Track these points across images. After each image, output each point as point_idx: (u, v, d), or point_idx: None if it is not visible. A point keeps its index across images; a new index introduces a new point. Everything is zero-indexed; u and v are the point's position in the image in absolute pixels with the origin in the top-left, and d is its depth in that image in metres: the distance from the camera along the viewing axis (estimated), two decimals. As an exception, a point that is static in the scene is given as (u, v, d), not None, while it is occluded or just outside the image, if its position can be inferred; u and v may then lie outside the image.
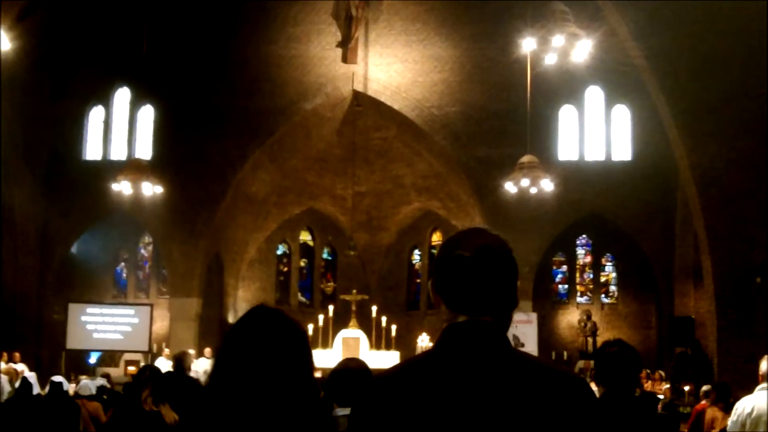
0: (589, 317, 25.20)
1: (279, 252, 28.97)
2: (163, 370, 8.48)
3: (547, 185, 19.45)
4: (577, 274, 26.97)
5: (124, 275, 27.71)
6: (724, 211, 18.56)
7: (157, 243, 26.51)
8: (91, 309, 24.13)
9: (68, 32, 23.66)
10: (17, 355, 20.26)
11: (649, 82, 19.56)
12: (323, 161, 26.50)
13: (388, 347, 22.20)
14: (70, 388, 15.16)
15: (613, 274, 26.69)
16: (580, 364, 22.83)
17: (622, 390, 4.47)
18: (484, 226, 2.51)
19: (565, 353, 25.03)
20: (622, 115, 24.43)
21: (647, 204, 23.44)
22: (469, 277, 2.29)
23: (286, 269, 29.10)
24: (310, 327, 22.88)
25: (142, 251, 27.99)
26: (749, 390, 6.97)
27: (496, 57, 22.59)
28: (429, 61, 23.75)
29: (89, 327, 23.64)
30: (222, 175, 23.88)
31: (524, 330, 21.49)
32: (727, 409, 10.47)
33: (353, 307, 23.62)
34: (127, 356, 24.01)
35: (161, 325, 25.14)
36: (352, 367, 4.58)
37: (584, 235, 26.70)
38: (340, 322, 23.39)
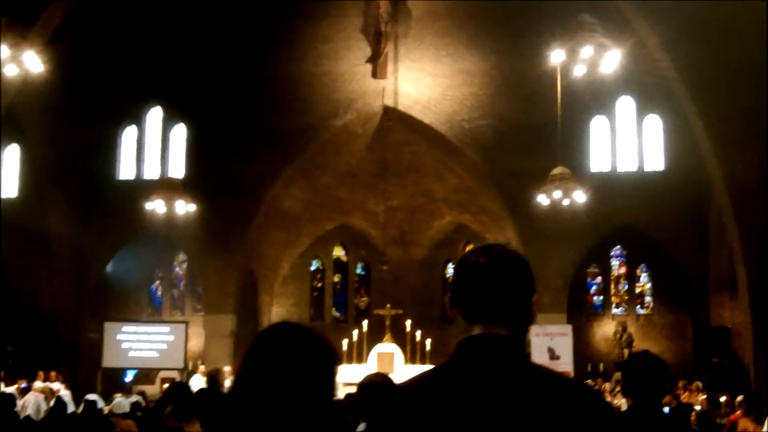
0: (624, 329, 25.06)
1: (312, 268, 29.06)
2: (198, 387, 8.54)
3: (580, 197, 19.39)
4: (612, 286, 26.84)
5: (159, 293, 27.91)
6: (758, 221, 18.42)
7: (191, 261, 26.69)
8: (126, 327, 24.29)
9: (100, 53, 23.94)
10: (53, 374, 20.42)
11: (679, 92, 19.50)
12: (355, 177, 26.55)
13: (423, 361, 22.15)
14: (105, 406, 15.28)
15: (648, 285, 26.52)
16: (617, 375, 22.64)
17: (650, 401, 4.46)
18: (504, 242, 2.56)
19: (601, 365, 24.88)
20: (654, 125, 24.32)
21: (681, 214, 23.30)
22: (483, 283, 2.34)
23: (320, 285, 29.18)
24: (345, 342, 22.98)
25: (177, 269, 28.19)
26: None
27: (525, 70, 22.55)
28: (459, 75, 23.76)
29: (125, 345, 23.80)
30: (254, 193, 23.99)
31: (560, 342, 21.37)
32: (760, 420, 10.38)
33: (387, 322, 23.62)
34: (162, 374, 24.11)
35: (196, 342, 25.25)
36: (377, 382, 4.60)
37: (618, 246, 26.57)
38: (374, 336, 23.40)
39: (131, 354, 23.77)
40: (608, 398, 17.73)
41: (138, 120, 25.57)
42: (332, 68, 24.06)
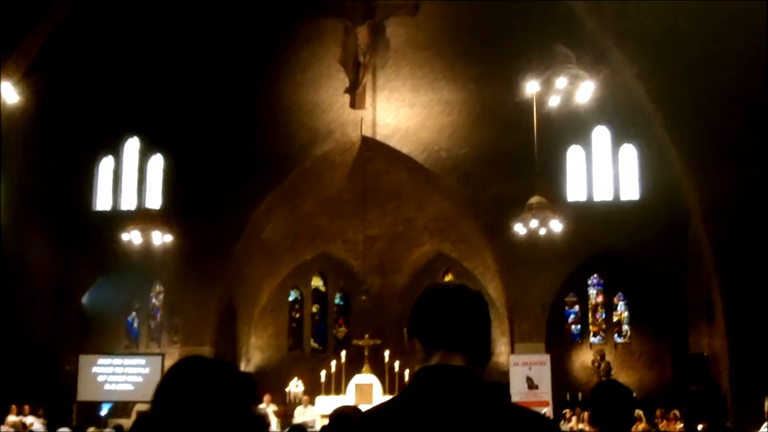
0: (602, 357, 25.08)
1: (291, 298, 28.95)
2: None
3: (557, 226, 19.49)
4: (590, 314, 26.88)
5: (136, 325, 27.68)
6: (733, 248, 18.55)
7: (168, 292, 26.55)
8: (102, 360, 24.07)
9: (77, 84, 23.89)
10: (27, 407, 20.21)
11: (654, 121, 19.68)
12: (335, 206, 26.55)
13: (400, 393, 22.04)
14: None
15: (626, 313, 26.58)
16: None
17: (617, 431, 4.48)
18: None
19: (579, 394, 24.84)
20: (630, 154, 24.48)
21: (658, 242, 23.43)
22: (444, 306, 2.41)
23: (298, 315, 29.06)
24: (323, 373, 22.89)
25: (154, 300, 27.99)
26: None
27: (503, 99, 22.69)
28: (437, 105, 23.89)
29: (100, 378, 23.58)
30: (233, 223, 23.94)
31: (538, 371, 21.36)
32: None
33: (366, 352, 23.56)
34: (139, 407, 23.85)
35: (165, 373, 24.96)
36: (348, 414, 4.61)
37: (596, 275, 26.65)
38: (354, 367, 23.32)
39: (107, 387, 23.54)
40: (587, 428, 17.70)
41: (115, 150, 25.47)
42: (311, 98, 24.14)
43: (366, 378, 22.76)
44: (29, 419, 19.33)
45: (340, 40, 24.20)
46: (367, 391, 22.13)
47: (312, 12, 24.16)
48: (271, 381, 25.81)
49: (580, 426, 20.25)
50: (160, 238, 20.38)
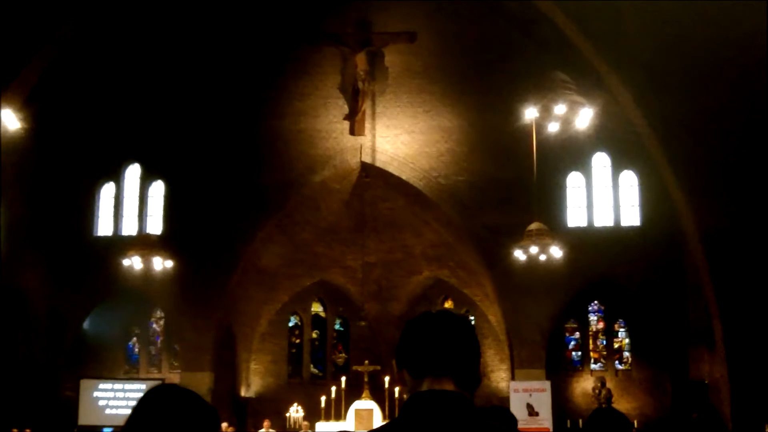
0: (603, 384, 25.02)
1: (291, 324, 28.93)
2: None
3: (556, 252, 19.49)
4: (590, 341, 26.83)
5: (136, 350, 27.67)
6: (733, 275, 18.55)
7: (168, 317, 26.55)
8: (103, 385, 24.09)
9: (78, 111, 24.03)
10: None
11: (653, 147, 19.72)
12: (333, 233, 26.59)
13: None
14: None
15: (627, 340, 26.53)
16: None
17: None
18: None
19: (580, 421, 24.74)
20: (629, 180, 24.52)
21: (658, 269, 23.41)
22: (420, 335, 2.42)
23: (297, 341, 29.03)
24: (323, 399, 22.85)
25: (154, 326, 27.99)
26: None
27: (501, 126, 22.78)
28: (435, 132, 23.99)
29: (101, 403, 23.58)
30: (232, 249, 23.99)
31: (538, 398, 21.33)
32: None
33: (366, 378, 23.52)
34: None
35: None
36: None
37: (596, 302, 26.63)
38: (353, 393, 23.28)
39: (107, 412, 23.53)
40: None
41: (116, 177, 25.52)
42: (310, 125, 24.25)
43: (366, 404, 22.71)
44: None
45: (339, 68, 24.38)
46: (366, 416, 22.07)
47: (311, 41, 24.34)
48: (270, 407, 25.79)
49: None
50: (161, 263, 20.42)
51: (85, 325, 25.82)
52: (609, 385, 25.16)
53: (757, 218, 18.29)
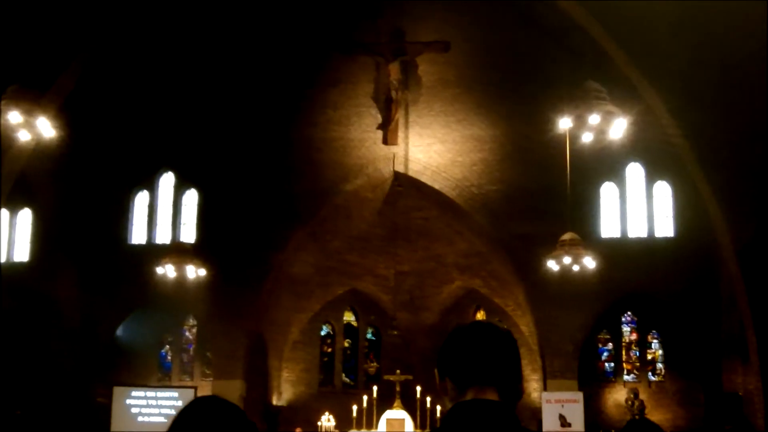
0: (636, 395, 24.84)
1: (323, 333, 28.97)
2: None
3: (590, 263, 19.36)
4: (623, 352, 26.66)
5: (169, 358, 27.82)
6: (767, 286, 18.39)
7: (200, 325, 26.68)
8: (136, 392, 24.20)
9: (112, 119, 24.27)
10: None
11: (688, 158, 19.60)
12: (365, 241, 26.62)
13: (433, 428, 21.95)
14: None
15: (660, 351, 26.34)
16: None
17: None
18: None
19: (612, 432, 24.65)
20: (664, 191, 24.36)
21: (691, 280, 23.22)
22: (468, 345, 2.43)
23: (329, 350, 29.06)
24: (354, 408, 22.85)
25: (186, 334, 28.13)
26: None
27: (534, 136, 22.72)
28: (468, 141, 23.97)
29: (134, 410, 23.70)
30: (264, 258, 24.08)
31: (571, 409, 21.22)
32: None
33: (397, 388, 23.49)
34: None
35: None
36: None
37: (629, 312, 26.46)
38: (384, 402, 23.26)
39: (140, 419, 23.64)
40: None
41: (150, 185, 25.71)
42: (343, 134, 24.32)
43: (397, 413, 22.68)
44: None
45: (372, 77, 24.43)
46: (398, 426, 22.05)
47: (345, 50, 24.42)
48: (302, 416, 25.84)
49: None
50: (194, 272, 20.53)
51: (119, 332, 26.00)
52: (642, 396, 24.98)
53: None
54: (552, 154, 21.34)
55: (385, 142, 23.98)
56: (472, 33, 24.24)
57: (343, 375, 29.06)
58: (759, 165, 18.39)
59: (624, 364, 26.57)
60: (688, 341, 24.62)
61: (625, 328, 26.77)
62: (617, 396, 25.89)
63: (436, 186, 23.92)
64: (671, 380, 25.80)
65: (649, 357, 26.45)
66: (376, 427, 22.43)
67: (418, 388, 22.86)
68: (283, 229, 24.10)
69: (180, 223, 25.56)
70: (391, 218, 25.24)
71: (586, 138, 17.13)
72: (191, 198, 25.58)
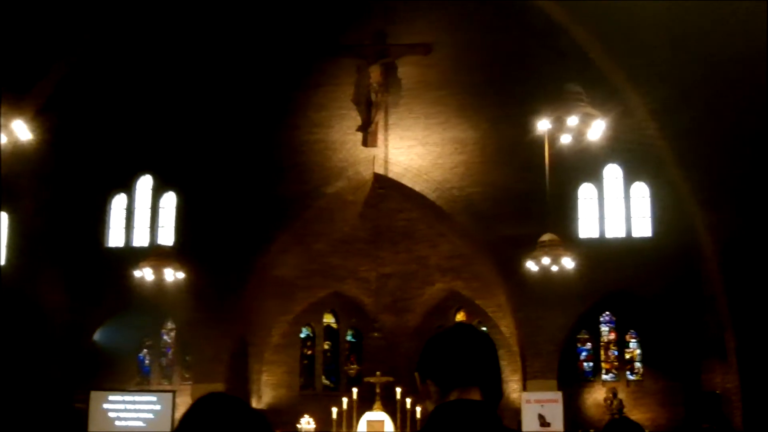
0: (615, 395, 24.94)
1: (303, 335, 28.91)
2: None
3: (569, 263, 19.44)
4: (602, 352, 26.76)
5: (148, 362, 27.68)
6: (746, 286, 18.51)
7: (180, 329, 26.56)
8: (113, 397, 24.05)
9: (90, 122, 24.14)
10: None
11: (666, 158, 19.70)
12: (347, 244, 26.60)
13: (413, 430, 21.98)
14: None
15: (638, 351, 26.45)
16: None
17: None
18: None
19: (591, 431, 24.74)
20: (642, 192, 24.47)
21: (670, 280, 23.33)
22: (450, 347, 2.46)
23: (310, 353, 29.00)
24: (334, 410, 22.82)
25: (165, 337, 28.00)
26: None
27: (515, 138, 22.76)
28: (449, 144, 24.00)
29: (111, 415, 23.56)
30: (245, 260, 24.01)
31: (550, 409, 21.28)
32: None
33: (378, 390, 23.48)
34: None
35: (184, 411, 24.88)
36: None
37: (608, 312, 26.56)
38: (365, 405, 23.24)
39: (118, 423, 23.50)
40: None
41: (128, 188, 25.58)
42: (324, 136, 24.30)
43: (377, 415, 22.67)
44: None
45: (353, 80, 24.43)
46: (378, 428, 22.05)
47: (327, 53, 24.40)
48: (282, 418, 25.73)
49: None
50: (173, 275, 20.44)
51: (97, 336, 25.82)
52: (621, 395, 25.08)
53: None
54: (532, 156, 21.39)
55: (365, 144, 23.98)
56: (453, 35, 24.28)
57: (324, 378, 29.01)
58: (737, 165, 18.51)
59: (603, 364, 26.66)
60: (667, 340, 24.76)
61: (604, 328, 26.87)
62: (596, 395, 25.98)
63: (417, 188, 23.93)
64: (650, 379, 25.91)
65: (628, 356, 26.55)
66: (356, 429, 22.40)
67: (399, 390, 22.87)
68: (264, 232, 24.04)
69: (158, 226, 25.45)
70: (374, 221, 25.26)
71: (565, 140, 17.20)
72: (169, 201, 25.46)
